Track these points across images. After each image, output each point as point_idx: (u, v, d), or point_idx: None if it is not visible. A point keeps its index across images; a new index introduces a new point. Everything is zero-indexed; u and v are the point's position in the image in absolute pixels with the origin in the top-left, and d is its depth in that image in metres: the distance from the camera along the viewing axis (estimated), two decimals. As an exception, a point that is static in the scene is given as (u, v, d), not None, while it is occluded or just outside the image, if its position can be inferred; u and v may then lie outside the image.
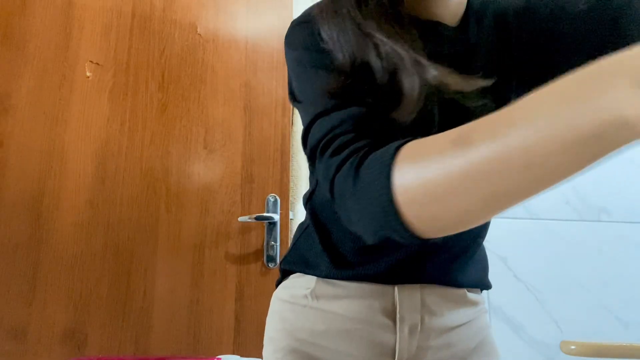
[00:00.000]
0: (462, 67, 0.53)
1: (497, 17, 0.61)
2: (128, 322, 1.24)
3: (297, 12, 1.51)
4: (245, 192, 1.37)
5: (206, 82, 1.42)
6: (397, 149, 0.38)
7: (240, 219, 1.33)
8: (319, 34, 0.52)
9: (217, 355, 1.26)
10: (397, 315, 0.60)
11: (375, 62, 0.47)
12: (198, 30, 1.44)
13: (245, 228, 1.35)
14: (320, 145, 0.46)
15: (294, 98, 0.56)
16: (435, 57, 0.47)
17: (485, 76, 0.49)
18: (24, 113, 1.29)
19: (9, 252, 1.21)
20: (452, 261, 0.63)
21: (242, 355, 1.24)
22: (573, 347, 1.04)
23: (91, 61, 1.36)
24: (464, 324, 0.65)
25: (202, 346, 1.27)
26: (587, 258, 1.50)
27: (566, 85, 0.28)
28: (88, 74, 1.35)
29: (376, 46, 0.47)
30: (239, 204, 1.36)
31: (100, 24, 1.38)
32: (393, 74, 0.47)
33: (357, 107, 0.45)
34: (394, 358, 0.60)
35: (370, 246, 0.60)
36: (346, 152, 0.43)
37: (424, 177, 0.35)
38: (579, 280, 1.47)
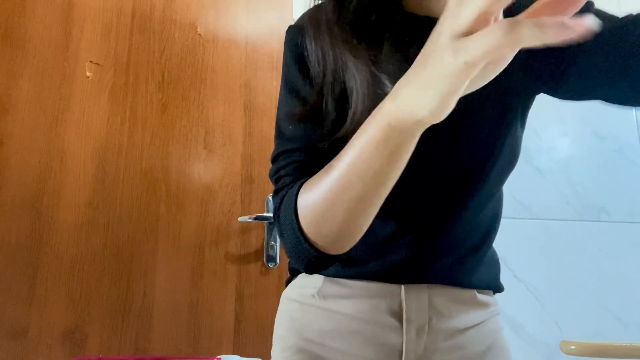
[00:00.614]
0: None
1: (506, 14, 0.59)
2: (128, 322, 1.24)
3: (297, 12, 1.51)
4: (245, 192, 1.37)
5: (206, 82, 1.42)
6: (300, 186, 0.47)
7: (240, 219, 1.33)
8: (305, 45, 0.57)
9: (217, 355, 1.26)
10: (404, 316, 0.59)
11: (338, 83, 0.53)
12: (198, 30, 1.44)
13: (245, 228, 1.35)
14: (273, 180, 0.57)
15: (277, 122, 0.62)
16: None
17: None
18: (24, 113, 1.29)
19: (9, 252, 1.21)
20: (461, 262, 0.62)
21: (242, 355, 1.24)
22: (573, 347, 1.04)
23: (91, 61, 1.36)
24: (474, 326, 0.64)
25: (202, 346, 1.27)
26: (587, 258, 1.50)
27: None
28: (88, 74, 1.35)
29: (343, 66, 0.52)
30: (239, 204, 1.36)
31: (100, 24, 1.38)
32: (349, 93, 0.53)
33: (307, 153, 0.54)
34: (401, 359, 0.60)
35: (375, 244, 0.60)
36: (282, 192, 0.53)
37: (311, 201, 0.45)
38: (579, 280, 1.47)
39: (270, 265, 1.33)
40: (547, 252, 1.50)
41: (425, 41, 0.52)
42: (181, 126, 1.37)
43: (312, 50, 0.56)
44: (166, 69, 1.40)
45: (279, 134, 0.60)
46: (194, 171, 1.36)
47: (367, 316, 0.60)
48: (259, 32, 1.48)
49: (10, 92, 1.29)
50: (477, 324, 0.64)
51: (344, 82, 0.53)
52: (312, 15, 0.58)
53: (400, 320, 0.60)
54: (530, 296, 1.45)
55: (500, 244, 0.68)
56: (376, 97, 0.49)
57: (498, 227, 0.68)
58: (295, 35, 0.59)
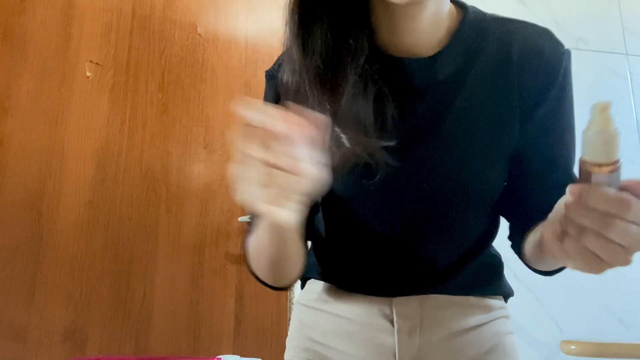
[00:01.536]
0: (415, 107, 0.56)
1: (498, 54, 0.58)
2: (128, 322, 1.24)
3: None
4: (245, 192, 1.37)
5: (206, 82, 1.42)
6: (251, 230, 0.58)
7: (240, 219, 1.33)
8: (279, 90, 0.60)
9: (217, 355, 1.26)
10: (395, 317, 0.60)
11: None
12: (198, 30, 1.44)
13: (245, 228, 1.35)
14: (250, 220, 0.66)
15: None
16: (396, 94, 0.54)
17: (432, 118, 0.55)
18: (24, 113, 1.29)
19: (9, 252, 1.21)
20: (452, 273, 0.62)
21: (242, 355, 1.24)
22: (573, 347, 1.04)
23: (91, 61, 1.36)
24: (472, 328, 0.63)
25: (202, 346, 1.27)
26: (587, 258, 1.49)
27: None
28: (88, 74, 1.35)
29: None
30: (239, 204, 1.36)
31: (100, 24, 1.38)
32: None
33: None
34: (395, 359, 0.60)
35: (361, 262, 0.63)
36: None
37: (249, 249, 0.59)
38: (579, 280, 1.47)
39: (270, 265, 1.34)
40: (547, 252, 1.49)
41: (395, 80, 0.54)
42: (181, 126, 1.37)
43: (284, 95, 0.58)
44: (166, 69, 1.40)
45: None
46: (194, 171, 1.36)
47: (362, 319, 0.62)
48: (259, 32, 1.48)
49: (10, 92, 1.29)
50: (477, 327, 0.64)
51: None
52: (284, 59, 0.58)
53: (391, 321, 0.61)
54: (530, 296, 1.45)
55: (501, 244, 0.68)
56: (337, 151, 0.52)
57: (495, 234, 0.67)
58: (269, 79, 0.62)
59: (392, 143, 0.52)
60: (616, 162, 0.38)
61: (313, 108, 0.51)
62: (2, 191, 1.24)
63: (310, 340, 0.66)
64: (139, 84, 1.37)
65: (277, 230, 0.51)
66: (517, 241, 0.61)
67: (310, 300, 0.68)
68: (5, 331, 1.17)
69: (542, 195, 0.58)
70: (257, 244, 0.56)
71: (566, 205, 0.38)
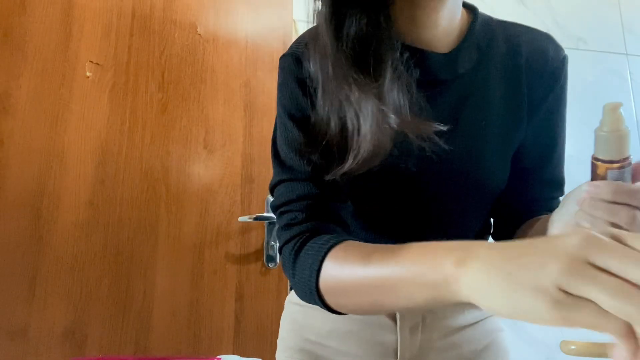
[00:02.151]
0: (437, 99, 0.56)
1: (507, 54, 0.60)
2: (128, 322, 1.24)
3: (297, 12, 1.51)
4: (245, 192, 1.37)
5: (206, 82, 1.42)
6: (329, 249, 0.49)
7: (240, 219, 1.33)
8: (305, 74, 0.57)
9: (217, 355, 1.26)
10: (397, 315, 0.60)
11: (339, 115, 0.54)
12: (198, 30, 1.44)
13: (245, 228, 1.35)
14: (277, 212, 0.58)
15: (274, 144, 0.61)
16: (419, 85, 0.53)
17: (451, 112, 0.56)
18: (24, 113, 1.29)
19: (9, 252, 1.21)
20: None
21: (242, 355, 1.24)
22: (573, 347, 1.04)
23: (91, 61, 1.36)
24: (470, 325, 0.64)
25: (202, 346, 1.27)
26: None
27: (428, 256, 0.39)
28: (88, 74, 1.35)
29: (345, 99, 0.52)
30: (239, 204, 1.36)
31: (100, 24, 1.38)
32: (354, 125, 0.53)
33: (313, 185, 0.55)
34: (396, 357, 0.60)
35: None
36: (294, 230, 0.54)
37: (339, 278, 0.47)
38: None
39: (270, 265, 1.33)
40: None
41: (421, 75, 0.53)
42: (181, 126, 1.37)
43: (313, 79, 0.55)
44: (166, 69, 1.40)
45: (279, 161, 0.59)
46: (194, 171, 1.36)
47: (362, 317, 0.62)
48: (259, 32, 1.48)
49: (10, 92, 1.29)
50: (473, 323, 0.65)
51: (345, 116, 0.53)
52: (310, 43, 0.57)
53: (394, 319, 0.61)
54: (530, 296, 1.45)
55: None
56: (382, 131, 0.50)
57: (490, 232, 0.68)
58: (294, 63, 0.59)
59: (444, 127, 0.51)
60: (627, 158, 0.41)
61: (352, 92, 0.51)
62: (2, 191, 1.24)
63: (305, 340, 0.65)
64: (139, 84, 1.37)
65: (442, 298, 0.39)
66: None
67: None
68: (5, 331, 1.17)
69: (531, 191, 0.60)
70: (367, 286, 0.45)
71: (580, 201, 0.40)
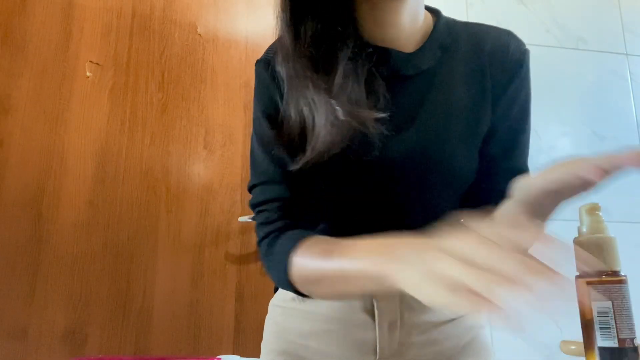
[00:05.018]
0: (401, 93, 0.60)
1: (470, 52, 0.64)
2: (128, 322, 1.24)
3: (297, 12, 1.52)
4: (245, 192, 1.37)
5: (206, 82, 1.42)
6: (297, 245, 0.54)
7: (240, 219, 1.33)
8: (274, 76, 0.62)
9: (217, 355, 1.26)
10: (376, 312, 0.61)
11: (300, 112, 0.58)
12: (198, 30, 1.44)
13: (245, 228, 1.35)
14: (255, 210, 0.63)
15: (251, 144, 0.67)
16: (382, 80, 0.58)
17: (414, 103, 0.60)
18: (24, 113, 1.29)
19: (9, 252, 1.21)
20: None
21: (242, 355, 1.24)
22: (573, 347, 1.04)
23: (91, 61, 1.36)
24: (449, 321, 0.64)
25: (202, 346, 1.27)
26: (587, 258, 1.49)
27: (372, 249, 0.44)
28: (88, 74, 1.35)
29: (302, 97, 0.57)
30: (239, 204, 1.36)
31: (100, 24, 1.38)
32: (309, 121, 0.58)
33: (285, 188, 0.61)
34: (376, 355, 0.61)
35: None
36: (269, 227, 0.60)
37: (305, 269, 0.53)
38: (579, 280, 1.46)
39: (270, 265, 1.33)
40: (547, 252, 1.49)
41: (379, 69, 0.57)
42: (181, 126, 1.37)
43: (280, 80, 0.61)
44: (166, 69, 1.40)
45: (253, 164, 0.64)
46: (194, 171, 1.36)
47: (341, 315, 0.62)
48: (259, 32, 1.48)
49: (10, 92, 1.29)
50: (453, 320, 0.65)
51: (302, 111, 0.58)
52: (276, 49, 0.63)
53: (372, 316, 0.61)
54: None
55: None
56: (332, 124, 0.55)
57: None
58: (264, 67, 0.64)
59: (384, 115, 0.55)
60: (616, 272, 0.43)
61: (308, 89, 0.56)
62: (2, 191, 1.24)
63: (288, 342, 0.66)
64: (139, 84, 1.37)
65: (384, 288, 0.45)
66: None
67: (286, 301, 0.68)
68: (5, 331, 1.17)
69: (495, 182, 0.61)
70: (326, 278, 0.51)
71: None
